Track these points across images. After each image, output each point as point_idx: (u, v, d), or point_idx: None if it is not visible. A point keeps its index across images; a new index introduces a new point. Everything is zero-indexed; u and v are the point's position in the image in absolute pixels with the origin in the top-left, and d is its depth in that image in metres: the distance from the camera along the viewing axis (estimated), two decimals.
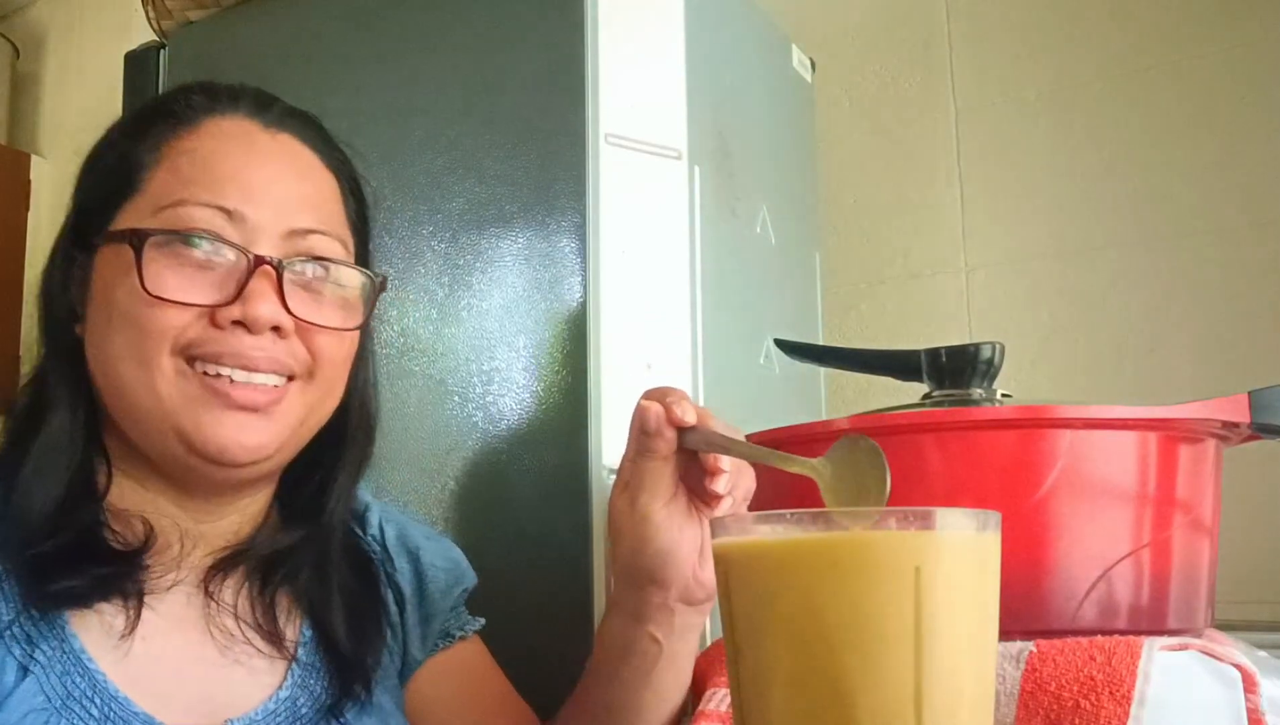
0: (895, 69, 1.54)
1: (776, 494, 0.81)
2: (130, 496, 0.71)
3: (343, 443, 0.78)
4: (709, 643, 0.99)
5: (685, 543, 0.72)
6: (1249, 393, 0.73)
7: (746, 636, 0.52)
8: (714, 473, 0.69)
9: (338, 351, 0.73)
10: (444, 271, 1.12)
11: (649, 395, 0.71)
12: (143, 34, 1.50)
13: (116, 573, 0.67)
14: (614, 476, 0.76)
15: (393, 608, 0.81)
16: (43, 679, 0.63)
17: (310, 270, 0.72)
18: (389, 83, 1.20)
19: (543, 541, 1.02)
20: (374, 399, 0.81)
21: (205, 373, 0.67)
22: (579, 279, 1.04)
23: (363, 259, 0.78)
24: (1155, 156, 1.34)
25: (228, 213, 0.68)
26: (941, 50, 1.51)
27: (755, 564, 0.51)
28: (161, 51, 1.44)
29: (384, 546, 0.83)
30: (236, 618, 0.72)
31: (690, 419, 0.69)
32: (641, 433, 0.70)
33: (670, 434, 0.69)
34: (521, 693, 0.88)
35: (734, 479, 0.70)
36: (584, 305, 1.03)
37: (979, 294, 1.44)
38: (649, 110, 1.09)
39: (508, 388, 1.06)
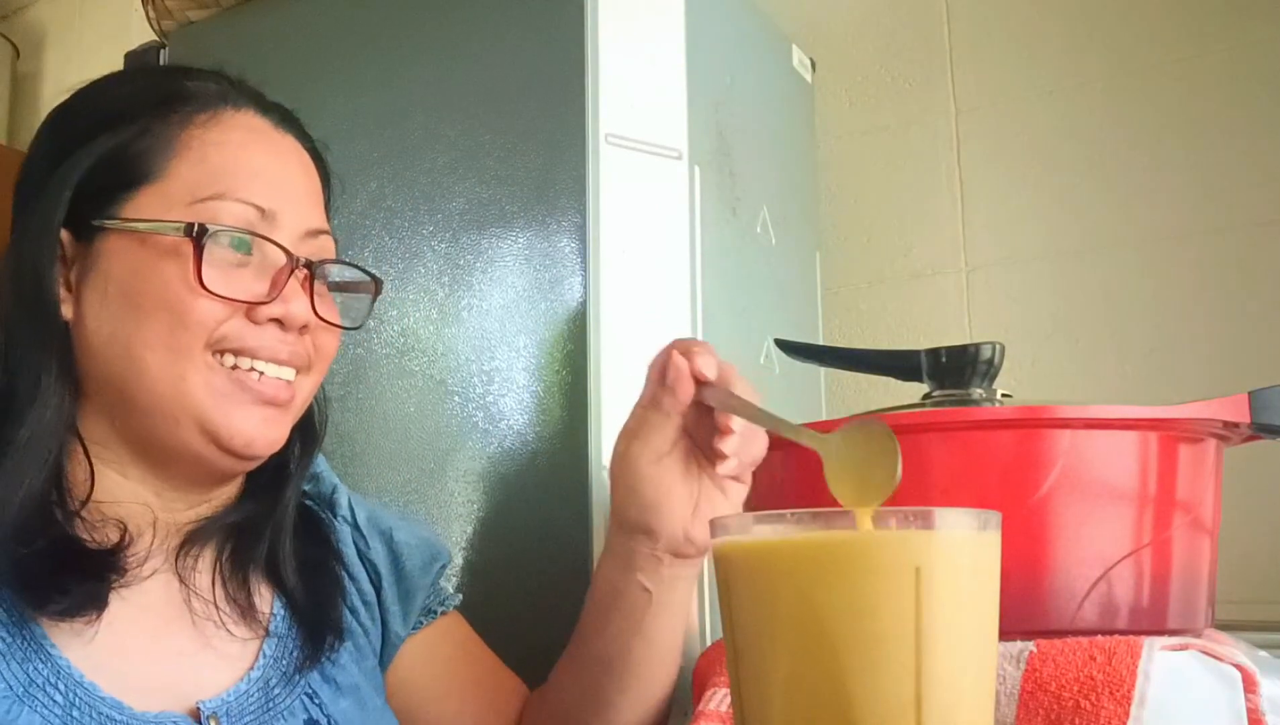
0: (895, 69, 1.54)
1: (785, 469, 0.81)
2: (104, 486, 0.70)
3: (310, 424, 0.80)
4: (709, 641, 0.99)
5: (675, 499, 0.72)
6: (1249, 393, 0.73)
7: (746, 636, 0.52)
8: (724, 432, 0.70)
9: (334, 347, 0.76)
10: (444, 271, 1.12)
11: (676, 345, 0.71)
12: (143, 34, 1.50)
13: (93, 583, 0.65)
14: None
15: (368, 587, 0.82)
16: (2, 667, 0.62)
17: (335, 272, 0.76)
18: (389, 82, 1.20)
19: (543, 542, 1.02)
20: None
21: (234, 367, 0.69)
22: (579, 279, 1.04)
23: None
24: (1156, 156, 1.34)
25: (261, 211, 0.70)
26: (941, 50, 1.51)
27: (755, 564, 0.51)
28: (161, 51, 1.44)
29: (355, 526, 0.83)
30: (212, 600, 0.72)
31: (710, 374, 0.69)
32: (658, 383, 0.70)
33: (684, 393, 0.69)
34: None
35: (743, 443, 0.70)
36: (584, 305, 1.03)
37: (979, 294, 1.44)
38: (649, 110, 1.09)
39: (508, 388, 1.06)
